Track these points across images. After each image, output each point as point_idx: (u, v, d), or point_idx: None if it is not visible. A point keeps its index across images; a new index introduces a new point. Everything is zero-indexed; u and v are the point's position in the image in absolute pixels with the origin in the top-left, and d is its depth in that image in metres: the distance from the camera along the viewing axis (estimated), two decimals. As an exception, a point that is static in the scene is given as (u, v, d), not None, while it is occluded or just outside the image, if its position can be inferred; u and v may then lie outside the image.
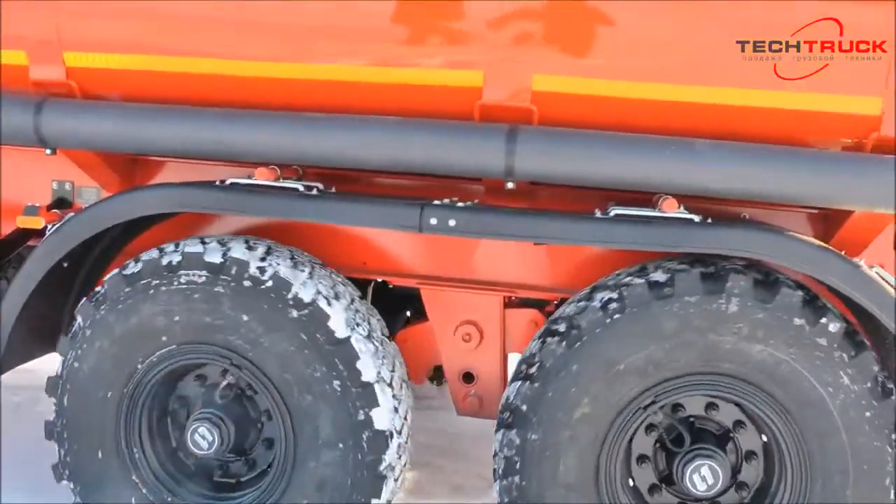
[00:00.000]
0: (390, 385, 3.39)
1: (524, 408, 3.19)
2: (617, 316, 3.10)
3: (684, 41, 3.13)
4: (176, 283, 3.32)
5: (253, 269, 3.28)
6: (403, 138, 3.18)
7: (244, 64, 3.34)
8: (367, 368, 3.28)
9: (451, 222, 3.17)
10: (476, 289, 3.69)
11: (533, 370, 3.19)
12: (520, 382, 3.23)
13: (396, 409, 3.40)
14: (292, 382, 3.30)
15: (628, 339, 3.10)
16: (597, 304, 3.15)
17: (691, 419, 3.34)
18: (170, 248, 3.40)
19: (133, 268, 3.39)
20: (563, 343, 3.15)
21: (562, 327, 3.19)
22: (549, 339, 3.20)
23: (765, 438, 3.29)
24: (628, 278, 3.20)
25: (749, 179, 3.06)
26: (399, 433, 3.41)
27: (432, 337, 3.78)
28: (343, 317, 3.32)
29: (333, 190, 3.45)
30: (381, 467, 3.32)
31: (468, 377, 3.76)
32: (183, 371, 3.58)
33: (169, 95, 3.43)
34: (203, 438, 3.40)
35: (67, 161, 3.71)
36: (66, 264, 3.59)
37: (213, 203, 3.35)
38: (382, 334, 3.55)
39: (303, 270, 3.37)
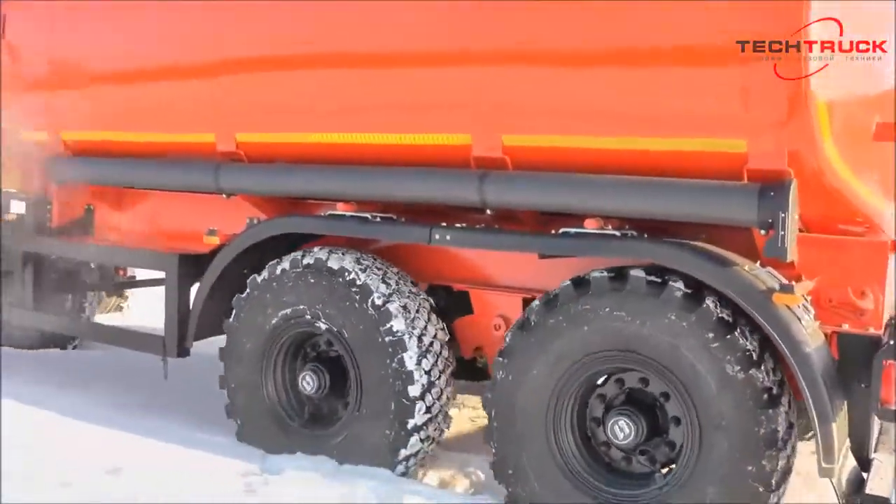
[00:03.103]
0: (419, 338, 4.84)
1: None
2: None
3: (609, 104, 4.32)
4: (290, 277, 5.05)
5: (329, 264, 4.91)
6: (418, 181, 4.72)
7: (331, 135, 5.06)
8: (399, 323, 4.76)
9: (448, 237, 4.64)
10: (504, 292, 5.00)
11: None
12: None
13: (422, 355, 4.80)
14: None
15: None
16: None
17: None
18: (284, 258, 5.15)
19: (265, 272, 5.18)
20: (521, 329, 4.41)
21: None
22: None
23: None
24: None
25: (645, 204, 4.18)
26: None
27: (476, 326, 5.13)
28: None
29: (393, 217, 4.99)
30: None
31: (500, 356, 5.05)
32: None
33: (294, 157, 5.24)
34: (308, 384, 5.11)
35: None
36: (245, 270, 5.51)
37: (313, 226, 5.11)
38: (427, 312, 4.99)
39: (364, 265, 4.92)
